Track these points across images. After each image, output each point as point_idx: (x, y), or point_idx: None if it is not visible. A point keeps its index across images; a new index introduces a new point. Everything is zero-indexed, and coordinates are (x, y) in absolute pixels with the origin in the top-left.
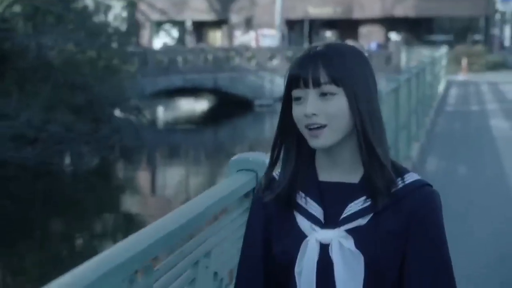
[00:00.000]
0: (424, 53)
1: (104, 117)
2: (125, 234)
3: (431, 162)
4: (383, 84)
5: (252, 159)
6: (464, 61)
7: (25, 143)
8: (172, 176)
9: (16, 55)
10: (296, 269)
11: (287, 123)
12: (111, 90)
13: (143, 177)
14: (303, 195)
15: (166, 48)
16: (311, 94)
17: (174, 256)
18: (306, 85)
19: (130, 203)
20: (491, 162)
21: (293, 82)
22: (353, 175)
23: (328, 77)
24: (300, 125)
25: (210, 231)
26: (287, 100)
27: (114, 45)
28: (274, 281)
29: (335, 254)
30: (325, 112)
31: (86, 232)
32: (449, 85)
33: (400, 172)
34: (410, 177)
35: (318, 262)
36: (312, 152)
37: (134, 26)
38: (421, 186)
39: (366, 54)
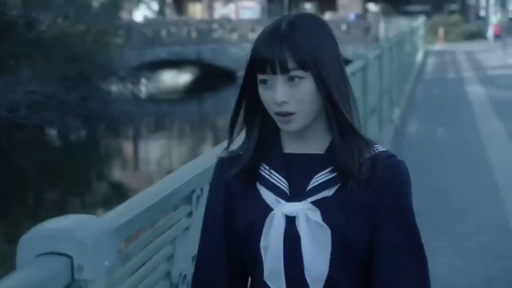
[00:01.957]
0: (402, 23)
1: (93, 89)
2: (106, 201)
3: (411, 125)
4: (363, 52)
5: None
6: (441, 31)
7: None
8: (156, 146)
9: (9, 29)
10: (262, 244)
11: (250, 99)
12: (100, 63)
13: (128, 147)
14: (267, 167)
15: (150, 21)
16: (280, 81)
17: (150, 233)
18: (273, 71)
19: (114, 173)
20: (467, 124)
21: (258, 65)
22: (318, 146)
23: (295, 63)
24: (270, 110)
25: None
26: (249, 80)
27: (102, 18)
28: (239, 261)
29: (301, 227)
30: (295, 98)
31: (73, 198)
32: (426, 54)
33: (369, 144)
34: (377, 148)
35: (285, 236)
36: (276, 126)
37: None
38: (389, 157)
39: (345, 26)
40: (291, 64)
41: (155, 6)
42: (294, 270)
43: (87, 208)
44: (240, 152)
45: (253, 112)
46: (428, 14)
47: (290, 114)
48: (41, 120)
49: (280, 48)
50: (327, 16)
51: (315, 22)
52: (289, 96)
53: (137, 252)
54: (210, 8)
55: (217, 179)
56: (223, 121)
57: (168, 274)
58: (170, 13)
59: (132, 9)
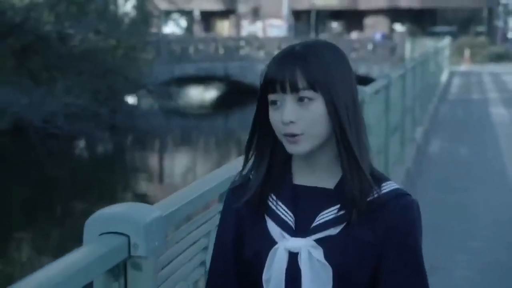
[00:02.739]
0: (428, 44)
1: (122, 103)
2: None
3: (434, 144)
4: (387, 72)
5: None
6: (467, 52)
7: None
8: (182, 161)
9: (43, 43)
10: (264, 277)
11: (262, 125)
12: (129, 77)
13: (154, 160)
14: (275, 198)
15: (178, 37)
16: (289, 100)
17: (187, 225)
18: (283, 90)
19: (139, 186)
20: (490, 145)
21: (269, 85)
22: (329, 180)
23: (306, 83)
24: (277, 132)
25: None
26: (262, 102)
27: (132, 34)
28: (246, 284)
29: (303, 264)
30: (303, 119)
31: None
32: (452, 75)
33: (379, 180)
34: (388, 186)
35: (287, 270)
36: (288, 154)
37: (149, 15)
38: (399, 196)
39: (371, 45)
40: (301, 83)
41: (184, 23)
42: None
43: None
44: (250, 177)
45: (265, 138)
46: (454, 35)
47: (297, 135)
48: (74, 131)
49: (292, 68)
50: (354, 35)
51: (330, 47)
52: (297, 116)
53: (178, 240)
54: (237, 25)
55: (228, 207)
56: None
57: (203, 263)
58: (198, 29)
59: (161, 25)
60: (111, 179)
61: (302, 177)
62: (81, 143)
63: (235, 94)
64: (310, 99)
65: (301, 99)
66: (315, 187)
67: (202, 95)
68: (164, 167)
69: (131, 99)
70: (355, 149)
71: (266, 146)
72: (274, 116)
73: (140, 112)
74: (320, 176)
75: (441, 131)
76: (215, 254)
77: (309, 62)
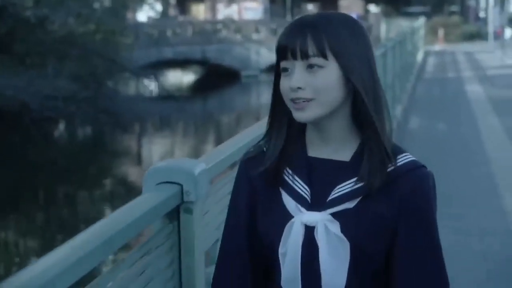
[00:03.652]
0: (402, 24)
1: (102, 87)
2: (110, 195)
3: (413, 121)
4: None
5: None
6: (441, 32)
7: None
8: (161, 143)
9: (24, 28)
10: (281, 250)
11: (278, 97)
12: (110, 61)
13: (133, 145)
14: (290, 172)
15: (155, 21)
16: (298, 66)
17: None
18: (294, 57)
19: (120, 169)
20: (465, 121)
21: (281, 52)
22: (344, 153)
23: (316, 49)
24: (286, 98)
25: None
26: (277, 72)
27: (111, 18)
28: (261, 259)
29: (320, 238)
30: (312, 86)
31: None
32: (426, 54)
33: (395, 152)
34: (404, 158)
35: (303, 244)
36: (302, 126)
37: (127, 0)
38: (415, 168)
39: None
40: (311, 50)
41: (159, 7)
42: (311, 280)
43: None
44: (264, 149)
45: (282, 109)
46: (428, 15)
47: (305, 100)
48: (58, 114)
49: (303, 34)
50: None
51: (344, 18)
52: (306, 82)
53: (218, 190)
54: (213, 9)
55: (241, 178)
56: (227, 119)
57: None
58: (173, 13)
59: (136, 9)
60: (93, 162)
61: (316, 150)
62: (62, 127)
63: (213, 77)
64: (319, 66)
65: (310, 66)
66: (330, 160)
67: (180, 78)
68: (144, 150)
69: (110, 83)
70: (375, 120)
71: (284, 117)
72: (284, 83)
73: (120, 96)
74: (334, 148)
75: (419, 109)
76: (228, 227)
77: (319, 29)
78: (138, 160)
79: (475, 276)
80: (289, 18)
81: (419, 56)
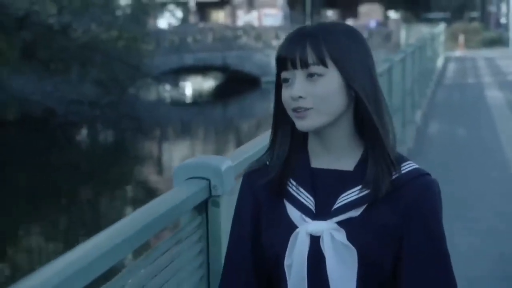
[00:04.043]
0: (423, 30)
1: (123, 93)
2: (130, 199)
3: (432, 126)
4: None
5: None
6: (461, 38)
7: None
8: (181, 148)
9: (47, 35)
10: (286, 262)
11: (279, 107)
12: (132, 68)
13: (154, 149)
14: (294, 183)
15: (176, 28)
16: (298, 76)
17: None
18: (294, 66)
19: (139, 172)
20: (485, 126)
21: (281, 63)
22: (347, 162)
23: (316, 58)
24: (288, 108)
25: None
26: (278, 83)
27: (133, 25)
28: (265, 271)
29: (326, 247)
30: (312, 94)
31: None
32: (447, 60)
33: (399, 160)
34: (408, 166)
35: (309, 255)
36: (305, 137)
37: (148, 7)
38: (419, 176)
39: (366, 33)
40: (311, 58)
41: (179, 14)
42: None
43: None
44: (267, 162)
45: (285, 120)
46: (448, 21)
47: (307, 109)
48: (82, 120)
49: (302, 44)
50: (349, 23)
51: (343, 26)
52: (306, 92)
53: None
54: (233, 15)
55: (244, 190)
56: (247, 125)
57: None
58: (193, 20)
59: (157, 16)
60: (114, 165)
61: (319, 160)
62: (85, 131)
63: (233, 84)
64: (320, 75)
65: (311, 75)
66: (334, 170)
67: (201, 85)
68: (164, 155)
69: (132, 89)
70: (378, 126)
71: (286, 128)
72: (285, 93)
73: (141, 102)
74: (337, 157)
75: (438, 114)
76: (232, 240)
77: (319, 38)
78: (159, 164)
79: (492, 276)
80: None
81: (439, 62)
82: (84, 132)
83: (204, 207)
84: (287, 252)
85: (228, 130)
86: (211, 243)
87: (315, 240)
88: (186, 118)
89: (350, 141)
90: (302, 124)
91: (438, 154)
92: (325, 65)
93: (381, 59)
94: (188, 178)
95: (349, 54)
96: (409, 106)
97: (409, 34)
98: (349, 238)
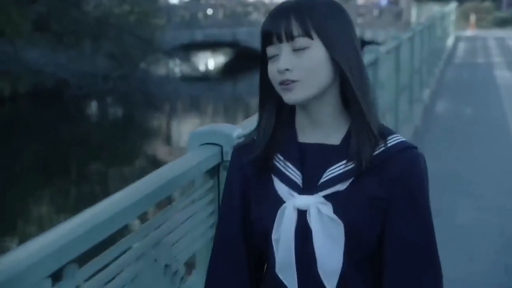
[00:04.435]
0: (434, 9)
1: (134, 67)
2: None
3: (440, 105)
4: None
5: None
6: (473, 17)
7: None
8: (191, 123)
9: (60, 8)
10: (274, 236)
11: (265, 84)
12: (142, 42)
13: (163, 123)
14: (281, 157)
15: (187, 3)
16: (284, 49)
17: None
18: (280, 40)
19: (147, 146)
20: (494, 105)
21: (266, 38)
22: (334, 136)
23: (300, 30)
24: (275, 83)
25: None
26: (264, 59)
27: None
28: (255, 245)
29: (313, 221)
30: (299, 67)
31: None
32: (457, 40)
33: (386, 134)
34: (395, 139)
35: (296, 229)
36: (292, 113)
37: None
38: (405, 149)
39: (377, 10)
40: (296, 30)
41: None
42: (306, 264)
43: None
44: (255, 137)
45: (270, 96)
46: (460, 0)
47: (293, 82)
48: (93, 92)
49: (286, 17)
50: (360, 0)
51: (329, 2)
52: (293, 64)
53: None
54: None
55: (233, 166)
56: (255, 101)
57: None
58: None
59: None
60: (125, 139)
61: (307, 135)
62: (96, 104)
63: (243, 60)
64: (305, 47)
65: (296, 48)
66: (321, 144)
67: (211, 61)
68: (173, 129)
69: (143, 64)
70: (360, 100)
71: (272, 104)
72: (271, 68)
73: (152, 76)
74: (324, 132)
75: (447, 93)
76: (222, 215)
77: (302, 10)
78: (167, 137)
79: (492, 249)
80: None
81: (450, 41)
82: (95, 105)
83: (216, 171)
84: (274, 227)
85: (237, 105)
86: None
87: (302, 215)
88: (196, 93)
89: (337, 115)
90: (289, 97)
91: (445, 132)
92: (310, 36)
93: (391, 37)
94: (201, 144)
95: (333, 26)
96: (417, 84)
97: (420, 13)
98: (335, 211)
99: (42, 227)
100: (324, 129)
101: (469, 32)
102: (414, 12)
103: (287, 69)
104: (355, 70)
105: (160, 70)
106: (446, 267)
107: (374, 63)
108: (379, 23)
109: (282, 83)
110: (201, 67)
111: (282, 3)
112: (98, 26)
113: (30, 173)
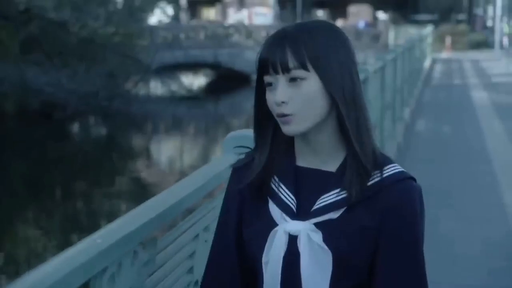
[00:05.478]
0: (411, 31)
1: (119, 88)
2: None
3: (420, 123)
4: (372, 58)
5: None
6: (448, 40)
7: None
8: (172, 144)
9: (48, 30)
10: (263, 259)
11: (261, 108)
12: (125, 63)
13: (144, 144)
14: (277, 180)
15: (168, 25)
16: (281, 81)
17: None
18: (276, 71)
19: (129, 166)
20: (470, 124)
21: (263, 67)
22: (331, 163)
23: (296, 62)
24: (273, 113)
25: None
26: (260, 84)
27: (129, 21)
28: (250, 270)
29: (302, 247)
30: (295, 99)
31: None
32: (434, 62)
33: (382, 163)
34: (391, 169)
35: (286, 254)
36: (291, 137)
37: (144, 3)
38: (400, 180)
39: (355, 33)
40: (292, 63)
41: (170, 11)
42: None
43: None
44: (254, 157)
45: (266, 120)
46: (435, 23)
47: (288, 115)
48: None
49: (282, 47)
50: (338, 23)
51: (324, 26)
52: (289, 97)
53: None
54: (223, 13)
55: (231, 188)
56: (238, 121)
57: None
58: (184, 18)
59: (149, 13)
60: (108, 161)
61: (305, 159)
62: (79, 125)
63: (224, 81)
64: (301, 78)
65: (293, 79)
66: (318, 170)
67: (192, 81)
68: (156, 151)
69: (128, 84)
70: (351, 131)
71: (268, 128)
72: (269, 97)
73: (134, 96)
74: (322, 158)
75: (426, 112)
76: (217, 235)
77: (299, 41)
78: (148, 158)
79: (475, 254)
80: None
81: (427, 63)
82: (78, 125)
83: None
84: (265, 249)
85: (219, 126)
86: None
87: (293, 239)
88: (178, 114)
89: (335, 143)
90: (287, 129)
91: (425, 149)
92: (306, 69)
93: (370, 59)
94: (235, 147)
95: (329, 55)
96: (399, 103)
97: (397, 35)
98: (325, 240)
99: (28, 246)
100: (321, 155)
101: (445, 54)
102: (391, 35)
103: (283, 102)
104: (350, 103)
105: (143, 90)
106: (431, 271)
107: (364, 82)
108: (358, 45)
109: (279, 115)
110: (184, 88)
111: (279, 31)
112: (83, 47)
113: (16, 191)
